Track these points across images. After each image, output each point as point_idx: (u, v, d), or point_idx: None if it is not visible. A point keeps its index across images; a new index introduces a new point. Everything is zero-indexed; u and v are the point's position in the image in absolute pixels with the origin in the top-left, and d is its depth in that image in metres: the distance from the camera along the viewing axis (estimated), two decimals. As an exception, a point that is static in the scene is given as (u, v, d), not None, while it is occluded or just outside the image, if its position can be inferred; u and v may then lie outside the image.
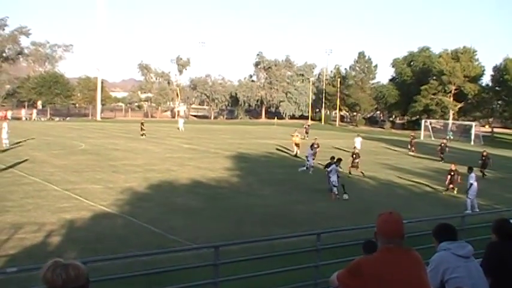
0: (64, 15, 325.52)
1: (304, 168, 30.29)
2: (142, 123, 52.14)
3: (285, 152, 41.33)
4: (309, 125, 64.51)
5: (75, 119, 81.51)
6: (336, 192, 22.65)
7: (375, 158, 39.82)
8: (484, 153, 33.37)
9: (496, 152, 48.44)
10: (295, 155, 38.13)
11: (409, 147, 46.13)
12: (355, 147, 30.97)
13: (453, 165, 25.76)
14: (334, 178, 22.95)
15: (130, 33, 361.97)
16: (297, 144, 39.47)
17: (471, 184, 21.14)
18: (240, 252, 11.36)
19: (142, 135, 49.84)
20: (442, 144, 41.88)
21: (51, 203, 18.72)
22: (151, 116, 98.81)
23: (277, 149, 42.98)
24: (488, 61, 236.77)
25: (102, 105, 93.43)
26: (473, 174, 21.73)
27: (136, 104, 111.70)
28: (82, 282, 2.68)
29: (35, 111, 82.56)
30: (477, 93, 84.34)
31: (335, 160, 24.20)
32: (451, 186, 25.16)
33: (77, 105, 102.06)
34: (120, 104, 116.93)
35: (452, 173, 25.05)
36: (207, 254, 10.67)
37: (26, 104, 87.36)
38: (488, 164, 32.70)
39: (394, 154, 44.93)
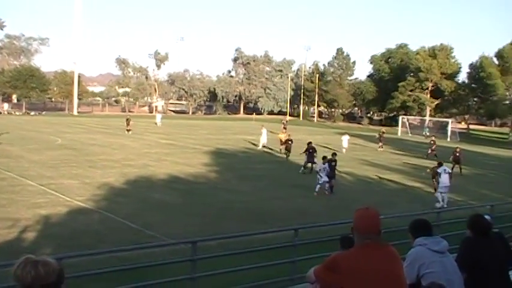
0: (40, 8, 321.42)
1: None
2: (127, 119, 51.27)
3: (265, 148, 41.32)
4: (287, 121, 64.55)
5: (52, 114, 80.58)
6: (316, 190, 22.71)
7: (353, 154, 40.00)
8: (457, 149, 33.59)
9: (472, 148, 49.18)
10: (281, 151, 37.11)
11: (379, 142, 46.35)
12: (310, 142, 30.23)
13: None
14: (322, 175, 23.09)
15: (108, 27, 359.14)
16: (282, 141, 37.59)
17: (440, 176, 21.32)
18: (218, 248, 11.35)
19: (128, 130, 49.13)
20: (432, 141, 42.66)
21: (26, 199, 18.47)
22: (129, 111, 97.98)
23: (256, 145, 42.91)
24: (464, 58, 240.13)
25: (79, 99, 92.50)
26: (443, 168, 21.79)
27: (113, 98, 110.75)
28: (53, 279, 2.64)
29: (6, 104, 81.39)
30: (453, 90, 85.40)
31: (325, 159, 24.31)
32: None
33: (53, 99, 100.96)
34: (97, 98, 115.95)
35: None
36: (184, 249, 10.64)
37: (1, 97, 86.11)
38: (460, 159, 33.03)
39: (372, 150, 45.16)
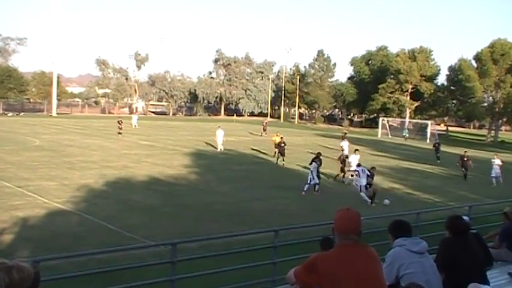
0: (17, 7, 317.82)
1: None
2: (119, 121, 49.46)
3: (247, 149, 41.27)
4: (267, 122, 64.61)
5: (30, 115, 79.54)
6: (305, 189, 22.93)
7: (333, 155, 40.09)
8: (466, 154, 32.88)
9: (450, 150, 49.60)
10: (275, 154, 35.27)
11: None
12: (342, 148, 31.30)
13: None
14: (311, 175, 23.37)
15: (87, 27, 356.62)
16: (276, 144, 35.84)
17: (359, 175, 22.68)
18: (198, 250, 11.30)
19: (119, 133, 47.97)
20: (436, 145, 43.68)
21: (3, 201, 18.21)
22: (109, 112, 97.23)
23: (236, 146, 42.87)
24: (443, 61, 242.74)
25: (58, 100, 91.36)
26: (361, 168, 23.10)
27: (93, 99, 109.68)
28: (28, 284, 2.57)
29: None
30: (433, 92, 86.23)
31: (315, 157, 24.57)
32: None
33: (31, 100, 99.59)
34: (76, 99, 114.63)
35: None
36: (164, 251, 10.57)
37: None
38: (469, 165, 32.40)
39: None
